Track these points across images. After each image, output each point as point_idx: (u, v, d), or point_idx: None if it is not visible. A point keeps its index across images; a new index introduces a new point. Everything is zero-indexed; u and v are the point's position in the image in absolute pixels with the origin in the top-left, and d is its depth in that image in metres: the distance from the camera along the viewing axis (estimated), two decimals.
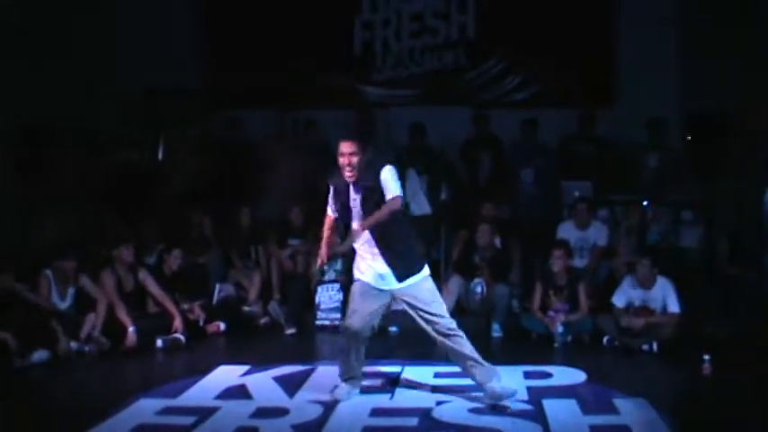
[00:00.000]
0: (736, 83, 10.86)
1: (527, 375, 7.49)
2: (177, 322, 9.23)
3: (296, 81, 12.57)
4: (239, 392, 6.98)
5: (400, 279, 6.54)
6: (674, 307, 8.89)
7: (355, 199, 6.53)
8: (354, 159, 6.47)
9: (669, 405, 6.49)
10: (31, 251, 9.71)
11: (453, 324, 6.64)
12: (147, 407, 6.55)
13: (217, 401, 6.70)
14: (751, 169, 10.44)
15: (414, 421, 6.16)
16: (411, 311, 6.64)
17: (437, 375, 7.50)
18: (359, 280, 6.68)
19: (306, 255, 10.73)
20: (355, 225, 6.47)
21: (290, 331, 9.84)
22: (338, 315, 10.06)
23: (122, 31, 12.21)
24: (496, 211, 10.87)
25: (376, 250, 6.50)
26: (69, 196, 11.02)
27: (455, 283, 9.95)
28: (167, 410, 6.47)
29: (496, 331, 9.65)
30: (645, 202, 10.89)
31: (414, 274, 6.59)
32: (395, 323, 10.12)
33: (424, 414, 6.30)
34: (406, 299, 6.61)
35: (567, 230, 10.41)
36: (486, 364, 6.59)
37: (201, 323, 9.69)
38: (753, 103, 10.57)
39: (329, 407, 6.46)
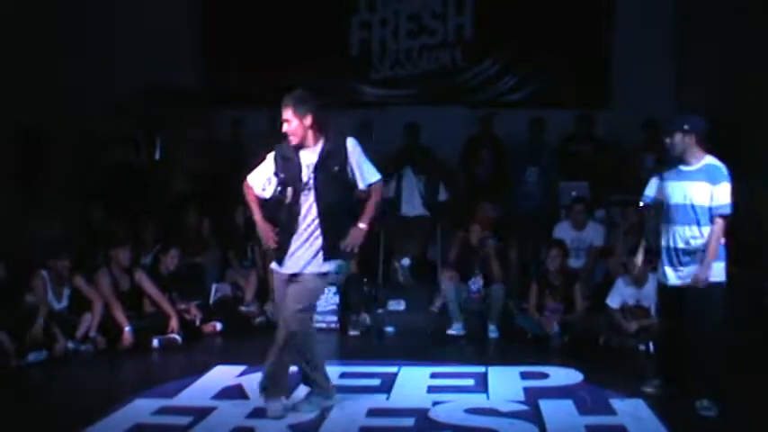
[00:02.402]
0: (732, 83, 10.87)
1: (523, 376, 7.49)
2: (173, 322, 9.23)
3: (293, 80, 12.52)
4: (236, 392, 6.96)
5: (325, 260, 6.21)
6: None
7: (309, 175, 6.18)
8: (293, 125, 6.21)
9: (666, 405, 6.49)
10: (26, 251, 9.70)
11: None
12: (143, 407, 6.54)
13: (213, 401, 6.69)
14: (748, 169, 10.43)
15: (410, 422, 6.15)
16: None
17: (434, 376, 7.50)
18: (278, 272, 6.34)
19: None
20: (362, 224, 6.19)
21: None
22: (335, 318, 10.09)
23: (121, 30, 12.19)
24: (494, 212, 10.86)
25: (318, 232, 6.17)
26: (66, 196, 11.03)
27: (449, 285, 9.91)
28: (163, 410, 6.47)
29: (493, 332, 9.62)
30: (642, 203, 10.86)
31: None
32: (391, 323, 10.15)
33: (421, 414, 6.29)
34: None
35: (563, 231, 10.41)
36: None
37: (198, 323, 9.68)
38: (750, 102, 10.58)
39: (326, 407, 6.43)
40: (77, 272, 9.10)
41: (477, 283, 9.91)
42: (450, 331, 9.62)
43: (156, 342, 9.05)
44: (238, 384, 7.18)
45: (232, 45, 12.95)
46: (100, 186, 11.67)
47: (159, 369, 8.47)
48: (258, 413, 6.33)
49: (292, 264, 6.23)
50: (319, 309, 10.07)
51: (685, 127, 6.56)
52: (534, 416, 6.26)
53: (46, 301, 8.73)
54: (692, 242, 6.52)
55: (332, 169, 6.19)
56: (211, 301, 10.28)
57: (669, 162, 6.74)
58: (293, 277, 6.24)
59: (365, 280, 10.60)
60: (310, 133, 6.26)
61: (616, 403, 6.56)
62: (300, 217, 6.19)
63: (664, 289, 6.76)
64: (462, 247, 10.30)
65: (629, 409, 6.41)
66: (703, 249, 6.45)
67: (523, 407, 6.50)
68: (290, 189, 6.22)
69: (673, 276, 6.61)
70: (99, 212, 10.98)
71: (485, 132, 12.06)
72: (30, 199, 10.72)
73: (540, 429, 5.95)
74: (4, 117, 10.38)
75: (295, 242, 6.21)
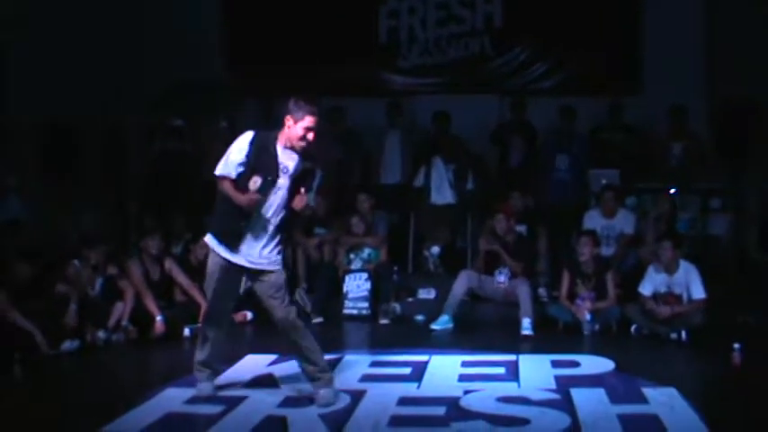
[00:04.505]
0: (763, 69, 10.76)
1: (555, 364, 7.46)
2: (204, 311, 9.25)
3: (322, 69, 12.54)
4: (267, 381, 6.98)
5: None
6: (698, 293, 8.71)
7: (285, 177, 6.21)
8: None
9: (699, 394, 6.45)
10: (60, 241, 9.78)
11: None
12: (174, 396, 6.58)
13: (244, 390, 6.71)
14: None
15: (441, 410, 6.13)
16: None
17: (464, 364, 7.49)
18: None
19: (332, 243, 10.74)
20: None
21: (317, 320, 9.83)
22: (366, 304, 10.10)
23: (150, 27, 12.27)
24: (523, 201, 10.82)
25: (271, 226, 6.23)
26: (102, 188, 11.11)
27: (465, 275, 9.85)
28: (195, 399, 6.48)
29: (526, 329, 9.17)
30: (673, 191, 10.81)
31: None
32: (421, 312, 10.14)
33: (452, 403, 6.27)
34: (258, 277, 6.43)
35: (593, 219, 10.34)
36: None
37: None
38: None
39: (357, 396, 6.44)
40: (110, 262, 9.16)
41: (503, 273, 9.82)
42: (433, 326, 9.51)
43: (187, 331, 9.09)
44: (269, 373, 7.20)
45: (259, 34, 12.95)
46: (141, 176, 11.73)
47: (191, 358, 8.47)
48: (289, 402, 6.35)
49: (255, 258, 6.33)
50: (351, 295, 10.16)
51: None
52: (566, 404, 6.22)
53: (84, 287, 8.78)
54: None
55: (297, 184, 6.22)
56: (242, 291, 10.27)
57: None
58: (255, 272, 6.39)
59: (395, 268, 10.59)
60: None
61: (648, 392, 6.50)
62: (264, 211, 6.19)
63: None
64: (489, 237, 10.24)
65: (661, 397, 6.35)
66: None
67: (555, 395, 6.46)
68: (257, 178, 6.15)
69: None
70: (135, 203, 11.05)
71: (517, 118, 12.01)
72: (66, 191, 10.80)
73: (572, 418, 5.90)
74: (41, 112, 10.47)
75: (251, 233, 6.24)
